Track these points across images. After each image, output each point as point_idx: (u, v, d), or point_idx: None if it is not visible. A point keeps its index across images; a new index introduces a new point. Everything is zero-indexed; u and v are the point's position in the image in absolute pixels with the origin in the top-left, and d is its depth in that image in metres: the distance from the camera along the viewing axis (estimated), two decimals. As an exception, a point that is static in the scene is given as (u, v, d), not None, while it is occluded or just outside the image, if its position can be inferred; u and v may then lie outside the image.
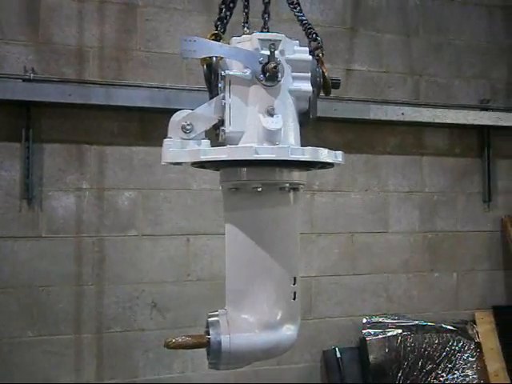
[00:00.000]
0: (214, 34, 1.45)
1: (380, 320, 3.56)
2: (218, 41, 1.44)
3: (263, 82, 1.38)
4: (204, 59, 1.41)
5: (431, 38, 3.82)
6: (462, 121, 3.67)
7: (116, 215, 3.15)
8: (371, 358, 3.44)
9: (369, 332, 3.48)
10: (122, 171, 3.17)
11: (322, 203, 3.51)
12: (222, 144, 1.44)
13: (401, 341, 3.48)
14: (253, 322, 1.45)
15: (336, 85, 1.54)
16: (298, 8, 1.58)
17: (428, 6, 3.82)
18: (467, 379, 3.54)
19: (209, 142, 1.42)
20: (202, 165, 1.47)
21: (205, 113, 1.42)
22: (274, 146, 1.35)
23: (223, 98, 1.41)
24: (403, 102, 3.65)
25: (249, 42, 1.40)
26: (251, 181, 1.40)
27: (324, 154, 1.38)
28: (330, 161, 1.41)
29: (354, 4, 3.63)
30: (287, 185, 1.44)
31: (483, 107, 3.84)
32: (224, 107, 1.41)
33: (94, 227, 3.11)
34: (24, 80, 2.91)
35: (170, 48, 3.24)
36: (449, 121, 3.64)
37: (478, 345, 3.64)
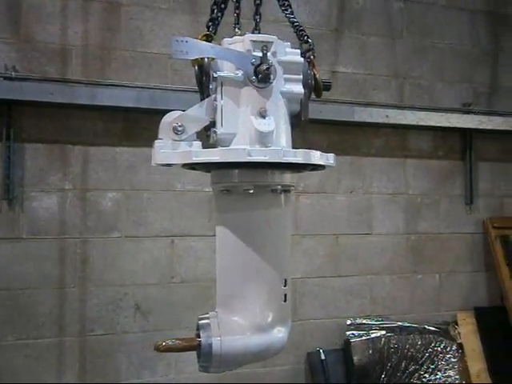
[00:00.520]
0: (205, 35, 1.43)
1: (364, 322, 3.57)
2: (210, 42, 1.42)
3: (255, 83, 1.37)
4: (195, 60, 1.40)
5: (415, 41, 3.86)
6: (445, 123, 3.71)
7: (99, 216, 3.11)
8: (355, 359, 3.45)
9: (353, 334, 3.49)
10: (106, 172, 3.13)
11: (307, 205, 3.51)
12: (213, 145, 1.42)
13: (384, 342, 3.50)
14: (244, 324, 1.44)
15: (327, 87, 1.54)
16: (290, 10, 1.57)
17: (412, 9, 3.85)
18: (449, 380, 3.58)
19: (200, 143, 1.40)
20: (192, 166, 1.45)
21: (196, 114, 1.40)
22: (266, 148, 1.34)
23: (215, 100, 1.40)
24: (388, 104, 3.67)
25: (241, 43, 1.39)
26: (243, 183, 1.39)
27: (316, 157, 1.37)
28: (322, 163, 1.40)
29: (339, 6, 3.64)
30: (279, 187, 1.43)
31: (466, 110, 3.88)
32: (216, 109, 1.39)
33: (77, 228, 3.06)
34: (5, 78, 2.86)
35: (154, 47, 3.21)
36: (432, 123, 3.67)
37: (460, 346, 3.67)
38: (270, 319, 1.46)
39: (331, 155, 1.45)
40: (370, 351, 3.48)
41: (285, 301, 1.49)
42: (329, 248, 3.59)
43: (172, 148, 1.37)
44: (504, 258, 3.82)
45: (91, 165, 3.09)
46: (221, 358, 1.39)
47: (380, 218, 3.74)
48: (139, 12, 3.21)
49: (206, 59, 1.38)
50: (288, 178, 1.47)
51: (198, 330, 1.44)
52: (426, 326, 3.64)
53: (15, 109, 2.93)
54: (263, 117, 1.37)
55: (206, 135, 1.45)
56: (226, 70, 1.38)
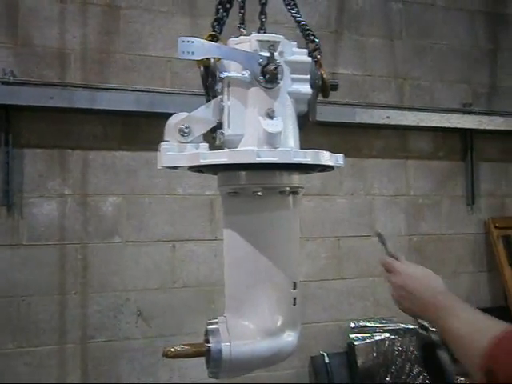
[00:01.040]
0: (211, 35, 1.41)
1: (367, 324, 3.55)
2: (216, 42, 1.40)
3: (263, 84, 1.34)
4: (201, 61, 1.37)
5: (414, 41, 3.85)
6: (445, 124, 3.69)
7: (99, 221, 3.08)
8: (359, 362, 3.42)
9: (356, 337, 3.46)
10: (106, 176, 3.10)
11: (308, 208, 3.49)
12: (219, 147, 1.40)
13: (388, 345, 3.48)
14: (253, 328, 1.41)
15: (334, 87, 1.52)
16: (296, 9, 1.55)
17: (411, 10, 3.84)
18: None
19: (207, 145, 1.37)
20: (198, 169, 1.43)
21: (203, 115, 1.38)
22: (274, 149, 1.32)
23: (221, 101, 1.37)
24: (388, 105, 3.66)
25: (247, 43, 1.37)
26: (251, 185, 1.37)
27: (326, 157, 1.35)
28: (332, 164, 1.38)
29: (338, 7, 3.63)
30: (287, 188, 1.41)
31: (466, 111, 3.87)
32: (222, 110, 1.37)
33: (77, 234, 3.03)
34: (3, 83, 2.82)
35: (153, 50, 3.18)
36: (433, 124, 3.66)
37: (464, 347, 3.64)
38: (279, 323, 1.43)
39: (340, 156, 1.43)
40: (374, 354, 3.45)
41: (294, 304, 1.47)
42: (331, 250, 3.56)
43: (178, 150, 1.34)
44: (507, 258, 3.81)
45: (91, 169, 3.06)
46: (231, 364, 1.36)
47: (382, 220, 3.72)
48: (138, 15, 3.19)
49: (212, 60, 1.35)
50: (296, 179, 1.45)
51: (206, 335, 1.41)
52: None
53: (13, 114, 2.90)
54: (271, 117, 1.35)
55: (212, 137, 1.43)
56: (233, 70, 1.36)
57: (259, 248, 1.40)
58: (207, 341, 1.38)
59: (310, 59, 1.43)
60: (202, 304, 3.21)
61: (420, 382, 3.50)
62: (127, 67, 3.13)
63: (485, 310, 1.31)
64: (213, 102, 1.38)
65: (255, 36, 1.37)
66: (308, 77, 1.42)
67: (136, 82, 3.11)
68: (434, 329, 1.32)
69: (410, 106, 3.73)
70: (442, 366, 1.32)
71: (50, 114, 2.96)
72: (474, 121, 3.80)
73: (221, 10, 1.48)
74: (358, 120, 3.47)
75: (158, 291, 3.17)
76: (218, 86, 1.39)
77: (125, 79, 3.10)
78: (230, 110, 1.35)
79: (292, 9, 1.55)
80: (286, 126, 1.37)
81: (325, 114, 3.29)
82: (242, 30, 1.47)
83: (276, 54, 1.35)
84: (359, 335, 3.48)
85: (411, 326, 3.56)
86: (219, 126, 1.38)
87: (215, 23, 1.45)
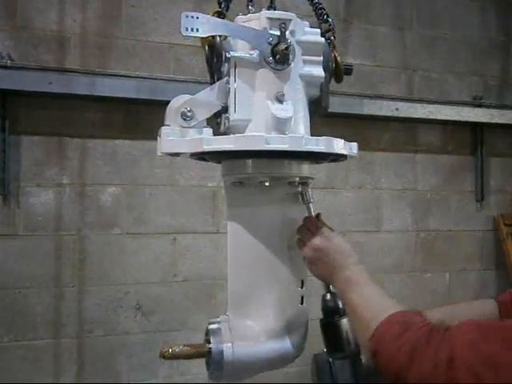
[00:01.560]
0: (217, 12, 1.31)
1: (372, 321, 3.46)
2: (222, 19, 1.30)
3: (272, 65, 1.25)
4: (206, 39, 1.28)
5: (425, 32, 3.73)
6: (456, 117, 3.58)
7: (98, 212, 2.98)
8: (363, 360, 3.33)
9: (361, 334, 3.38)
10: (105, 166, 3.00)
11: (314, 201, 3.38)
12: (223, 133, 1.30)
13: (394, 343, 3.39)
14: (257, 329, 1.33)
15: (348, 71, 1.43)
16: (308, -14, 1.45)
17: (422, -1, 3.72)
18: (460, 382, 3.46)
19: (211, 130, 1.28)
20: (201, 156, 1.33)
21: (207, 98, 1.28)
22: (284, 135, 1.22)
23: (227, 83, 1.28)
24: (397, 97, 3.55)
25: (256, 20, 1.27)
26: (258, 174, 1.28)
27: (340, 146, 1.26)
28: (346, 153, 1.29)
29: (347, -5, 3.52)
30: (297, 179, 1.32)
31: (476, 104, 3.76)
32: (228, 93, 1.27)
33: (75, 225, 2.94)
34: (0, 67, 2.72)
35: (156, 36, 3.07)
36: (443, 117, 3.55)
37: (471, 346, 3.56)
38: (285, 323, 1.35)
39: (354, 144, 1.33)
40: (379, 352, 3.36)
41: (302, 303, 1.39)
42: (336, 245, 3.46)
43: (180, 135, 1.25)
44: (516, 255, 3.71)
45: (90, 158, 2.96)
46: (233, 366, 1.27)
47: (388, 215, 3.62)
48: (141, -1, 3.08)
49: (217, 38, 1.26)
50: (306, 168, 1.36)
51: (207, 335, 1.32)
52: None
53: (10, 99, 2.79)
54: (280, 102, 1.25)
55: (216, 122, 1.33)
56: (240, 49, 1.26)
57: (265, 242, 1.31)
58: (208, 341, 1.29)
59: (323, 40, 1.34)
60: (203, 298, 3.12)
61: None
62: (129, 53, 3.03)
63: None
64: (218, 84, 1.28)
65: (265, 13, 1.27)
66: (321, 59, 1.32)
67: (138, 69, 3.00)
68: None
69: (419, 98, 3.61)
70: (340, 333, 1.32)
71: (48, 100, 2.85)
72: (485, 114, 3.69)
73: (228, -14, 1.37)
74: (366, 111, 3.36)
75: (159, 285, 3.08)
76: (224, 67, 1.29)
77: (126, 65, 2.99)
78: (237, 92, 1.26)
79: (304, -15, 1.44)
80: (296, 111, 1.28)
81: (332, 104, 3.19)
82: (250, 7, 1.37)
83: (287, 32, 1.25)
84: (364, 333, 3.39)
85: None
86: (224, 110, 1.28)
87: (222, -1, 1.35)
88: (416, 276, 3.66)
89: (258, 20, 1.26)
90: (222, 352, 1.27)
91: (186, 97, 1.26)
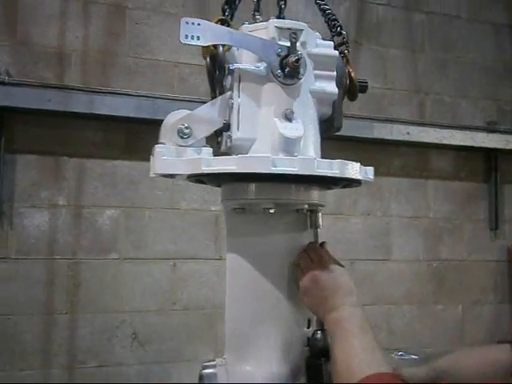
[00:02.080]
0: (220, 20, 1.19)
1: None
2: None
3: (281, 79, 1.12)
4: (207, 49, 1.16)
5: (437, 54, 3.63)
6: (470, 142, 3.46)
7: (95, 236, 2.85)
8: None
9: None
10: (104, 187, 2.88)
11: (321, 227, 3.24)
12: (225, 154, 1.17)
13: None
14: (258, 375, 1.17)
15: (364, 88, 1.29)
16: (322, -3, 1.33)
17: (434, 21, 3.63)
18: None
19: (211, 150, 1.15)
20: (199, 178, 1.20)
21: (207, 114, 1.15)
22: (293, 157, 1.09)
23: (230, 98, 1.15)
24: (408, 121, 3.43)
25: (264, 30, 1.15)
26: (262, 200, 1.14)
27: (355, 170, 1.12)
28: (361, 178, 1.15)
29: (358, 16, 3.43)
30: (306, 206, 1.18)
31: (490, 129, 3.63)
32: (231, 109, 1.14)
33: (70, 249, 2.80)
34: (-3, 83, 2.63)
35: (160, 54, 2.98)
36: (457, 142, 3.43)
37: (485, 384, 3.37)
38: (290, 369, 1.19)
39: (370, 169, 1.19)
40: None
41: (308, 345, 1.23)
42: (343, 274, 3.31)
43: (176, 155, 1.12)
44: (533, 288, 3.54)
45: (88, 179, 2.85)
46: (230, 418, 1.12)
47: (399, 243, 3.47)
48: (145, 17, 3.00)
49: (220, 48, 1.13)
50: (316, 194, 1.22)
51: (201, 380, 1.17)
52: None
53: (7, 116, 2.70)
54: (289, 119, 1.12)
55: (217, 141, 1.20)
56: (245, 61, 1.13)
57: (269, 276, 1.17)
58: (202, 388, 1.14)
59: (337, 53, 1.21)
60: (203, 328, 2.97)
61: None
62: (132, 71, 2.94)
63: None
64: (219, 98, 1.15)
65: (273, 22, 1.15)
66: (334, 74, 1.20)
67: (141, 87, 2.91)
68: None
69: (431, 123, 3.49)
70: (322, 377, 1.15)
71: (46, 118, 2.76)
72: (500, 140, 3.57)
73: (233, -8, 1.26)
74: (376, 135, 3.24)
75: (157, 313, 2.94)
76: (227, 81, 1.17)
77: (129, 83, 2.90)
78: (241, 109, 1.13)
79: (317, -4, 1.33)
80: (306, 130, 1.14)
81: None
82: (257, 16, 1.25)
83: (298, 44, 1.13)
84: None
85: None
86: (226, 127, 1.15)
87: (226, 6, 1.23)
88: (427, 308, 3.49)
89: (266, 29, 1.14)
90: (217, 402, 1.12)
91: (184, 112, 1.14)
